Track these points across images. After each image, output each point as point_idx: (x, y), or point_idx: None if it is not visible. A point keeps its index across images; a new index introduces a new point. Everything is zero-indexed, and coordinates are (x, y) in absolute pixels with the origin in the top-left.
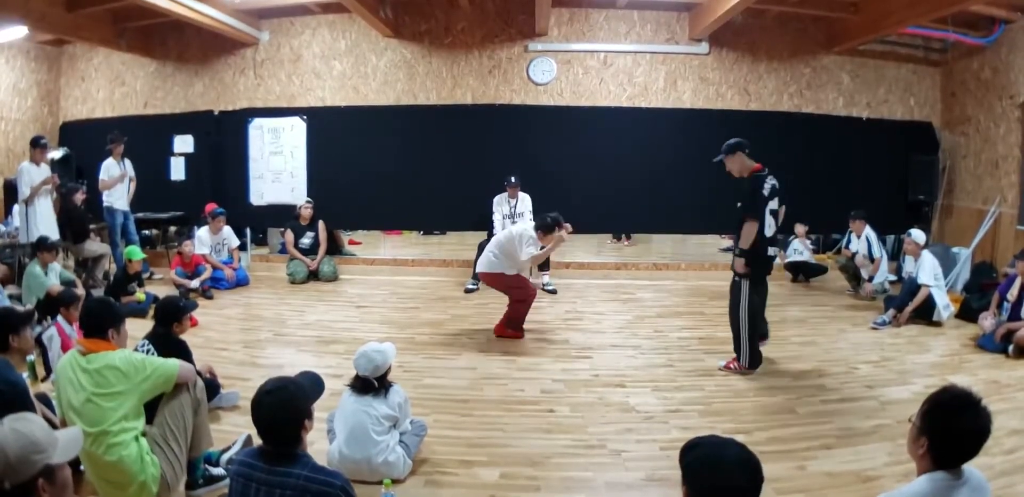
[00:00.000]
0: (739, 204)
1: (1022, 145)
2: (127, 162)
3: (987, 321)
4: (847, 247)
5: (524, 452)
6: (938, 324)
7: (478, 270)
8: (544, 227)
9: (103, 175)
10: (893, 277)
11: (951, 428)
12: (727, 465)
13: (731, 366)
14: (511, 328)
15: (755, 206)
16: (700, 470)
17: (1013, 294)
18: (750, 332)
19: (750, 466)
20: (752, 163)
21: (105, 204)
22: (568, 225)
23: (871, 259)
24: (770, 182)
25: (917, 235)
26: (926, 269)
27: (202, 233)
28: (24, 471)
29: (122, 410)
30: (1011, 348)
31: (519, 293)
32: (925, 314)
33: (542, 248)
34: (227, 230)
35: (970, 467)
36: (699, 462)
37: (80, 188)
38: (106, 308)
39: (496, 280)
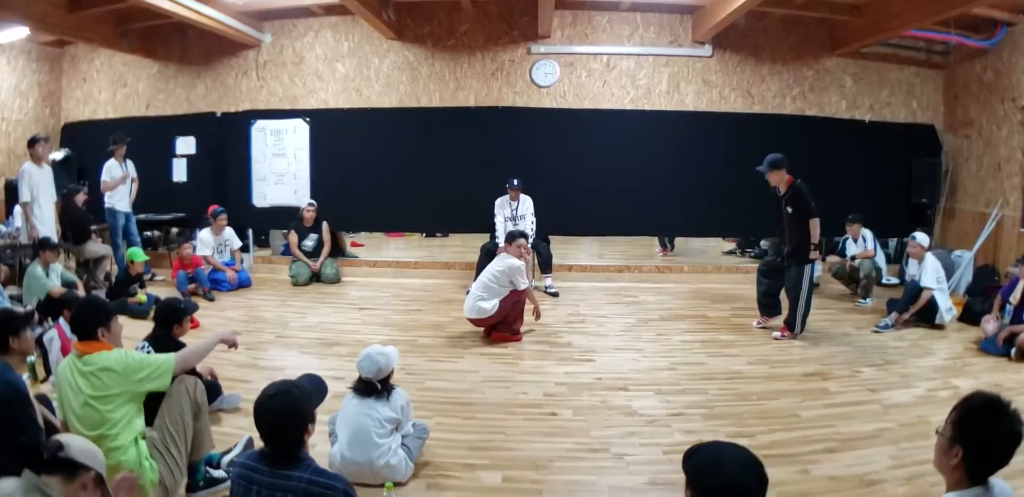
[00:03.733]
0: (790, 209)
1: None
2: (129, 163)
3: (990, 324)
4: (843, 252)
5: (527, 456)
6: (940, 327)
7: (467, 316)
8: (508, 239)
9: (104, 176)
10: (896, 280)
11: (987, 435)
12: (730, 467)
13: (786, 334)
14: (508, 331)
15: (813, 205)
16: (703, 473)
17: (1016, 297)
18: (807, 309)
19: (753, 467)
20: (788, 176)
21: (107, 205)
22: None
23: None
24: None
25: (921, 238)
26: (928, 272)
27: (204, 234)
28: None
29: (119, 412)
30: (1014, 351)
31: (509, 309)
32: (928, 317)
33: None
34: (229, 231)
35: (994, 478)
36: (702, 465)
37: (81, 189)
38: (92, 308)
39: (486, 321)
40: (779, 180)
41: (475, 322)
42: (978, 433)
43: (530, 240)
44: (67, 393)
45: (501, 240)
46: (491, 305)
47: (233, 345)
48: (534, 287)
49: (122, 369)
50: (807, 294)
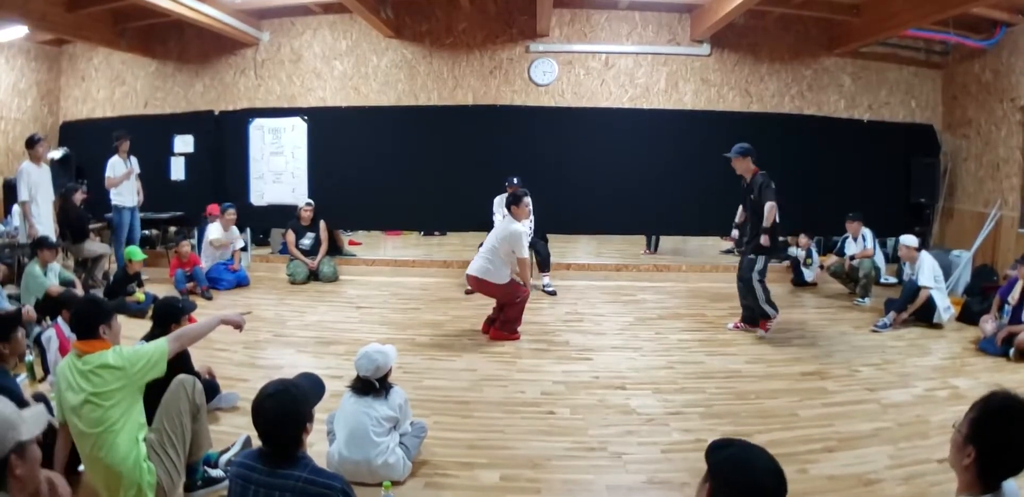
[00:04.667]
0: (752, 196)
1: (1023, 148)
2: (133, 159)
3: (988, 324)
4: (842, 252)
5: (524, 454)
6: (939, 327)
7: (469, 273)
8: (514, 202)
9: (109, 172)
10: (894, 279)
11: (1003, 438)
12: (759, 468)
13: (767, 327)
14: (506, 331)
15: (772, 192)
16: (732, 469)
17: (1014, 297)
18: (766, 293)
19: (779, 473)
20: (753, 166)
21: (113, 202)
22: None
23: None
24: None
25: (907, 239)
26: (926, 271)
27: (213, 227)
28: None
29: (120, 407)
30: (1012, 351)
31: (511, 296)
32: (926, 316)
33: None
34: (235, 231)
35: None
36: (731, 461)
37: (79, 188)
38: (93, 307)
39: (486, 287)
40: (744, 169)
41: (473, 284)
42: (995, 436)
43: (528, 238)
44: (66, 393)
45: None
46: (500, 273)
47: (238, 327)
48: (532, 286)
49: (120, 364)
50: (759, 281)
